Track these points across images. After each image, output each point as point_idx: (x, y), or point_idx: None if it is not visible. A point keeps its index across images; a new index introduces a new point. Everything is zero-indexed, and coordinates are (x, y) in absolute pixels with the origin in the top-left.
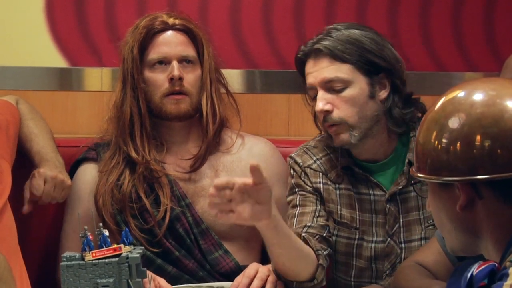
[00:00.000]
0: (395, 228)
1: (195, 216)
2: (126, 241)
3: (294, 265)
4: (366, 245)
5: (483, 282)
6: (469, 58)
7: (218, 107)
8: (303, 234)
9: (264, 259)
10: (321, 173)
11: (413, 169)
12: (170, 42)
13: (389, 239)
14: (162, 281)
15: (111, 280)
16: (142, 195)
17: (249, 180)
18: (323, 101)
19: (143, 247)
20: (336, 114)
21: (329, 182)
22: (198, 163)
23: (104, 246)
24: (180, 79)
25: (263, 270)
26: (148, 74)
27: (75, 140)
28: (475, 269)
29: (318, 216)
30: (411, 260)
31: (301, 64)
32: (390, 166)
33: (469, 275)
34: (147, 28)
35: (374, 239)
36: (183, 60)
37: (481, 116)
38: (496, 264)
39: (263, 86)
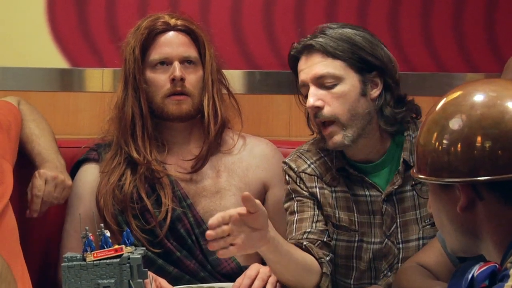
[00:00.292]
0: (392, 229)
1: (196, 216)
2: (127, 242)
3: (298, 279)
4: (366, 247)
5: (484, 283)
6: (470, 59)
7: (220, 108)
8: (304, 243)
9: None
10: (316, 177)
11: (414, 170)
12: (172, 43)
13: (386, 239)
14: (163, 281)
15: (112, 280)
16: (144, 195)
17: (243, 209)
18: (314, 97)
19: (144, 248)
20: (327, 111)
21: (324, 186)
22: (199, 163)
23: (105, 246)
24: (182, 79)
25: (265, 270)
26: (149, 74)
27: (76, 141)
28: (476, 270)
29: (317, 221)
30: (413, 261)
31: (294, 62)
32: (385, 166)
33: (470, 276)
34: (149, 29)
35: (373, 240)
36: (185, 61)
37: (482, 117)
38: (497, 265)
39: (264, 87)
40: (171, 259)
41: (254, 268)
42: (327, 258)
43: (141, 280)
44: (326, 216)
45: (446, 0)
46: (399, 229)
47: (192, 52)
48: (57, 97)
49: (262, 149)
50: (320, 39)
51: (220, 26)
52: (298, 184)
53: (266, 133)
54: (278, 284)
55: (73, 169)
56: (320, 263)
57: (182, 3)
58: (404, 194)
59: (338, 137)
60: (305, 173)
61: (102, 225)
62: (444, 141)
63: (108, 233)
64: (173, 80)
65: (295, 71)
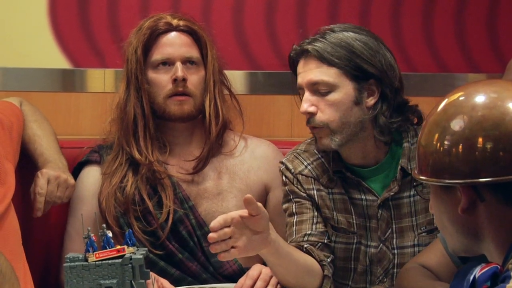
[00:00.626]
0: (387, 234)
1: (198, 218)
2: (129, 242)
3: (299, 281)
4: (364, 249)
5: (486, 284)
6: (472, 59)
7: (221, 108)
8: (305, 245)
9: None
10: (313, 179)
11: (415, 172)
12: (174, 43)
13: (381, 244)
14: (165, 282)
15: (115, 281)
16: (145, 197)
17: (244, 212)
18: (307, 102)
19: (146, 248)
20: (319, 117)
21: (321, 188)
22: (200, 164)
23: (107, 247)
24: (184, 80)
25: (266, 271)
26: (151, 75)
27: (77, 141)
28: (477, 272)
29: (317, 222)
30: (415, 262)
31: (293, 63)
32: (382, 172)
33: (471, 277)
34: (151, 29)
35: (369, 243)
36: (187, 61)
37: (482, 118)
38: (499, 267)
39: (266, 87)
40: (173, 261)
41: (256, 268)
42: (328, 260)
43: (143, 281)
44: (324, 218)
45: (448, 1)
46: (394, 235)
47: (194, 53)
48: (58, 98)
49: (264, 150)
50: (318, 44)
51: (222, 26)
52: (295, 185)
53: (267, 133)
54: (279, 285)
55: (74, 171)
56: (322, 266)
57: (184, 4)
58: (401, 200)
59: (326, 140)
60: (302, 174)
61: (104, 225)
62: (445, 143)
63: (110, 234)
64: (175, 80)
65: (294, 72)
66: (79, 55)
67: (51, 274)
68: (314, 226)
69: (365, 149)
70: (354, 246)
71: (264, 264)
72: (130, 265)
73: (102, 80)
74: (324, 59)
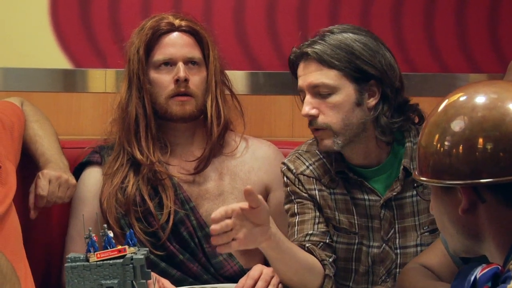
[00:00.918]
0: (390, 234)
1: (199, 219)
2: (130, 243)
3: (300, 278)
4: (366, 250)
5: (487, 285)
6: (473, 60)
7: (223, 109)
8: (307, 245)
9: (268, 261)
10: (314, 179)
11: (415, 172)
12: (176, 44)
13: (384, 244)
14: (166, 282)
15: (116, 281)
16: (146, 197)
17: (245, 204)
18: (309, 105)
19: (147, 249)
20: (321, 119)
21: (323, 188)
22: (202, 165)
23: (108, 247)
24: (186, 80)
25: (267, 271)
26: (153, 75)
27: (79, 141)
28: (478, 272)
29: (319, 222)
30: (416, 262)
31: (293, 66)
32: (384, 172)
33: (472, 278)
34: (153, 29)
35: (372, 243)
36: (189, 62)
37: (483, 119)
38: (500, 267)
39: (267, 88)
40: (174, 262)
41: (257, 269)
42: (330, 260)
43: (144, 281)
44: (326, 218)
45: (449, 1)
46: (397, 235)
47: (196, 53)
48: (60, 98)
49: (265, 151)
50: (318, 47)
51: (223, 26)
52: (297, 186)
53: (268, 133)
54: (280, 285)
55: (75, 171)
56: (323, 265)
57: (185, 4)
58: (404, 200)
59: (328, 142)
60: (304, 175)
61: (105, 225)
62: (446, 143)
63: (111, 234)
64: (177, 81)
65: (294, 75)
66: (80, 55)
67: (52, 274)
68: (316, 226)
69: (367, 149)
70: (355, 246)
71: (265, 265)
72: (131, 265)
73: (103, 80)
74: (324, 62)
